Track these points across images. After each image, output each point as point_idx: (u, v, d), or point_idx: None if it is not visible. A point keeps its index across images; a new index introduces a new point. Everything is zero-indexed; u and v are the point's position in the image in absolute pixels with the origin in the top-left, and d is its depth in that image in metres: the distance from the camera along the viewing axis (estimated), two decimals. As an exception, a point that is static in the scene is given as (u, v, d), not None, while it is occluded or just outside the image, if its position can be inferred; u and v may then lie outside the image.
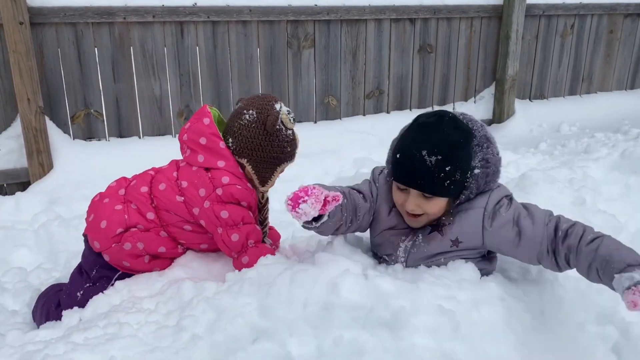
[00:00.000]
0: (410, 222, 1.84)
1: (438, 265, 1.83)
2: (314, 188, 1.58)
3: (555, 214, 1.86)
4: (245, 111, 1.98)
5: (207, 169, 1.98)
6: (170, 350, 1.38)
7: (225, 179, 1.94)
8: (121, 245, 1.96)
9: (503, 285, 1.89)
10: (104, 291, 1.90)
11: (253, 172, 2.03)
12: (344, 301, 1.54)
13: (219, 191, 1.93)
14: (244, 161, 2.01)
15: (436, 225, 1.83)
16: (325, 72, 4.37)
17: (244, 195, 1.97)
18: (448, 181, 1.71)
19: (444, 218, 1.82)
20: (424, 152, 1.67)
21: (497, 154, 1.83)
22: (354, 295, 1.54)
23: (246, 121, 1.97)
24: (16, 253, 2.83)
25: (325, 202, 1.61)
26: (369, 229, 2.00)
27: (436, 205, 1.77)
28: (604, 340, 1.94)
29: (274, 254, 1.96)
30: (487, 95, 5.03)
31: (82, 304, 1.86)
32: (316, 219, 1.70)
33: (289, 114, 2.02)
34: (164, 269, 2.04)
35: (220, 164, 1.97)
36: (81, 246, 2.83)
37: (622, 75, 5.73)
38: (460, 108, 4.93)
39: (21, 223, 3.13)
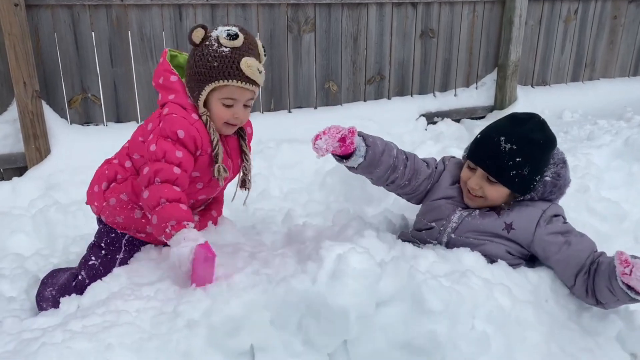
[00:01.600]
0: (467, 200, 1.99)
1: (480, 247, 1.90)
2: (332, 128, 1.81)
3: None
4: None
5: (163, 106, 1.95)
6: (165, 335, 1.35)
7: (166, 110, 1.88)
8: (108, 202, 1.98)
9: (508, 273, 1.87)
10: (103, 278, 1.86)
11: (189, 92, 1.93)
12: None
13: (161, 124, 1.86)
14: (186, 85, 1.94)
15: (494, 208, 1.97)
16: (326, 57, 4.31)
17: (181, 124, 1.84)
18: (514, 172, 1.87)
19: (502, 205, 1.96)
20: (502, 138, 1.86)
21: (569, 178, 2.03)
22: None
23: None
24: (13, 239, 2.80)
25: (344, 139, 1.83)
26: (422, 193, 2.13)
27: (496, 192, 1.92)
28: (609, 328, 1.93)
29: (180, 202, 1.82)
30: (489, 81, 4.97)
31: (104, 274, 1.87)
32: (347, 157, 1.91)
33: (227, 30, 1.86)
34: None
35: (171, 97, 1.93)
36: (79, 232, 2.83)
37: (625, 61, 5.67)
38: (461, 94, 4.89)
39: (18, 209, 3.10)
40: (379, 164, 1.96)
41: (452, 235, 1.95)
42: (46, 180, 3.39)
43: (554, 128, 4.39)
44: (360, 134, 1.97)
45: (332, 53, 4.31)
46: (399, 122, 4.50)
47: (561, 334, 1.79)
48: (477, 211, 1.98)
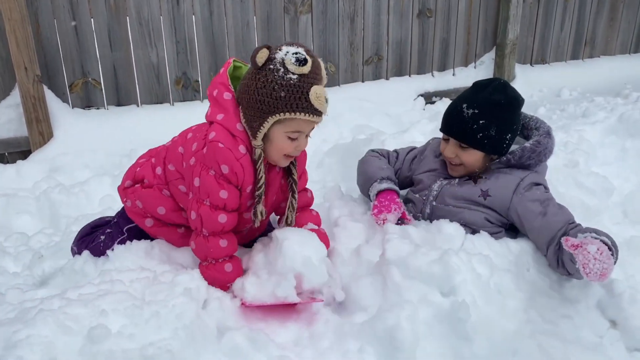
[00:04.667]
0: (450, 171, 2.12)
1: (459, 215, 1.99)
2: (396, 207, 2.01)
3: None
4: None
5: (211, 123, 1.77)
6: (161, 302, 1.43)
7: (212, 134, 1.69)
8: (125, 201, 1.93)
9: (489, 244, 1.94)
10: (108, 251, 1.89)
11: (244, 120, 1.72)
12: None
13: (205, 149, 1.70)
14: (240, 110, 1.74)
15: (472, 177, 2.08)
16: (323, 38, 4.33)
17: (225, 158, 1.67)
18: (481, 134, 1.97)
19: (478, 173, 2.07)
20: (464, 105, 1.99)
21: (550, 148, 2.11)
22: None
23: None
24: (18, 219, 2.89)
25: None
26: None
27: (471, 157, 2.04)
28: (589, 297, 1.99)
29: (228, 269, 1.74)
30: (487, 60, 4.97)
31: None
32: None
33: (295, 54, 1.63)
34: (171, 242, 1.91)
35: (219, 117, 1.73)
36: (81, 212, 2.91)
37: (626, 38, 5.63)
38: (460, 73, 4.90)
39: (23, 190, 3.19)
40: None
41: (434, 203, 2.05)
42: (49, 163, 3.47)
43: (551, 106, 4.46)
44: (392, 187, 2.14)
45: (329, 34, 4.34)
46: (397, 103, 4.53)
47: (541, 301, 1.85)
48: (457, 180, 2.09)
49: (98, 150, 3.60)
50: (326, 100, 1.69)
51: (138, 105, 3.87)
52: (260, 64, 1.65)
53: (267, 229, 2.04)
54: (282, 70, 1.63)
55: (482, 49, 4.96)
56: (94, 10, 3.62)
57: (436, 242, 1.80)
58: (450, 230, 1.83)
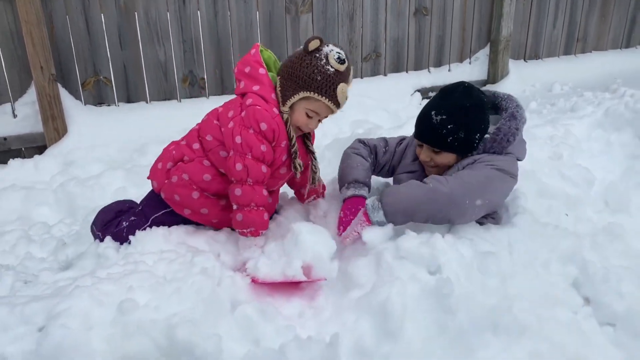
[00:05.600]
0: (427, 172, 2.24)
1: None
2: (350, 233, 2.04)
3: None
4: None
5: (244, 95, 2.06)
6: (181, 280, 1.63)
7: (249, 101, 1.99)
8: (170, 179, 2.11)
9: (475, 230, 2.13)
10: (128, 240, 2.09)
11: (279, 87, 2.04)
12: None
13: (244, 113, 1.97)
14: (279, 77, 2.06)
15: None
16: (323, 37, 4.48)
17: (263, 116, 1.96)
18: (451, 138, 2.09)
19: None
20: (433, 112, 2.10)
21: (515, 129, 2.17)
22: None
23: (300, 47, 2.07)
24: (38, 210, 3.08)
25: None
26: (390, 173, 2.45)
27: (445, 159, 2.17)
28: (566, 277, 2.18)
29: (265, 209, 2.03)
30: (482, 56, 5.15)
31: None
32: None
33: (339, 53, 2.02)
34: (211, 216, 2.12)
35: (255, 87, 2.03)
36: (97, 203, 3.09)
37: (617, 34, 5.80)
38: (455, 69, 5.08)
39: (40, 184, 3.38)
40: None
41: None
42: (64, 158, 3.67)
43: (542, 100, 4.64)
44: (365, 192, 2.23)
45: (329, 32, 4.51)
46: (395, 98, 4.71)
47: (520, 280, 2.04)
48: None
49: (110, 144, 3.80)
50: (346, 98, 2.08)
51: (147, 102, 4.06)
52: (310, 50, 2.00)
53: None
54: (324, 61, 1.99)
55: (476, 46, 5.14)
56: (104, 10, 3.80)
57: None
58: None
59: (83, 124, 3.82)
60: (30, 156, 3.70)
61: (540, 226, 2.31)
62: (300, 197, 2.43)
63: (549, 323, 1.98)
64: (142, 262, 1.76)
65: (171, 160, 2.15)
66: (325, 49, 2.02)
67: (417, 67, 4.96)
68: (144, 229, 2.09)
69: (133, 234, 2.08)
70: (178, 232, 2.09)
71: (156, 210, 2.14)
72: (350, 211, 2.11)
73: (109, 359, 1.43)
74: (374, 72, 4.81)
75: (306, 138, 2.25)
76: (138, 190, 3.02)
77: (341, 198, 2.24)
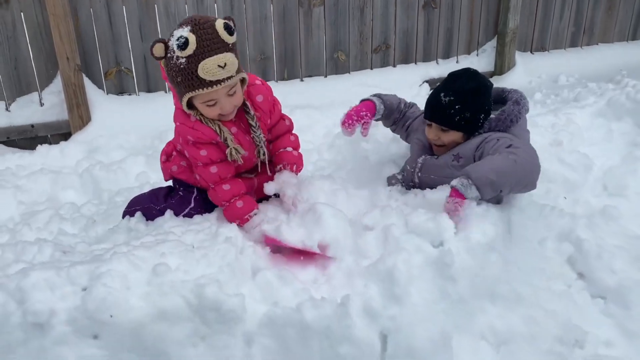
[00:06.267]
0: (435, 150, 2.44)
1: (445, 182, 2.25)
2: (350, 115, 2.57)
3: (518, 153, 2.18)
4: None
5: None
6: (207, 248, 1.81)
7: (174, 120, 2.11)
8: (171, 169, 2.31)
9: (476, 209, 2.28)
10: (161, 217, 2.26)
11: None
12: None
13: (176, 136, 2.17)
14: None
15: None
16: (335, 29, 4.66)
17: (185, 131, 2.03)
18: (458, 117, 2.29)
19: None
20: (442, 94, 2.30)
21: (516, 114, 2.37)
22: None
23: None
24: (65, 193, 3.28)
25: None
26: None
27: (451, 137, 2.36)
28: (561, 253, 2.34)
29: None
30: (489, 48, 5.27)
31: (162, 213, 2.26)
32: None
33: (178, 39, 1.82)
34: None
35: (174, 100, 2.13)
36: (121, 186, 3.29)
37: (624, 26, 5.89)
38: (463, 61, 5.20)
39: (66, 168, 3.58)
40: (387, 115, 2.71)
41: (419, 175, 2.37)
42: (88, 144, 3.87)
43: (547, 91, 4.77)
44: (380, 97, 2.67)
45: (340, 25, 4.66)
46: (404, 88, 4.84)
47: (518, 255, 2.20)
48: (436, 155, 2.42)
49: (131, 132, 3.99)
50: (223, 66, 1.84)
51: (166, 92, 4.24)
52: (159, 56, 1.87)
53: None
54: (174, 57, 1.84)
55: (484, 38, 5.26)
56: (126, 4, 3.98)
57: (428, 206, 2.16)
58: (437, 195, 2.18)
59: (106, 112, 4.01)
60: (57, 142, 3.90)
61: (538, 207, 2.47)
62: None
63: (543, 293, 2.14)
64: (172, 233, 1.94)
65: (165, 155, 2.36)
66: (170, 43, 1.85)
67: (426, 58, 5.09)
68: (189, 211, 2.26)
69: (163, 214, 2.27)
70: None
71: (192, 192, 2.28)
72: (356, 109, 2.62)
73: (146, 313, 1.61)
74: (384, 63, 4.95)
75: (247, 113, 2.15)
76: (158, 174, 3.19)
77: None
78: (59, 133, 3.98)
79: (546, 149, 3.02)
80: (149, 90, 4.23)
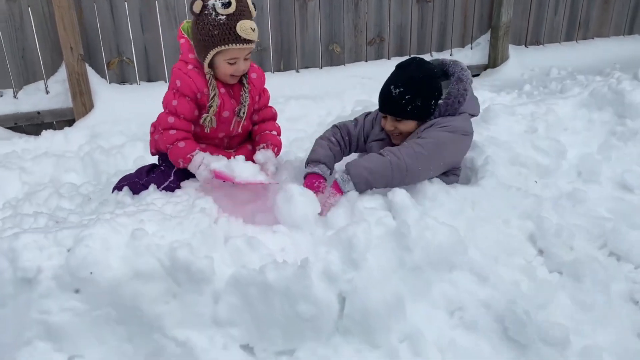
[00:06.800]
0: (394, 140, 2.52)
1: None
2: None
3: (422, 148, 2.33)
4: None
5: None
6: (183, 217, 1.98)
7: (173, 67, 2.36)
8: (155, 136, 2.53)
9: (441, 187, 2.43)
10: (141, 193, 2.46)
11: (196, 54, 2.32)
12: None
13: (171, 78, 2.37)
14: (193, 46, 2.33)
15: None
16: (330, 22, 4.81)
17: (178, 75, 2.30)
18: (410, 107, 2.38)
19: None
20: (392, 87, 2.39)
21: (464, 90, 2.45)
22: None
23: None
24: (67, 175, 3.47)
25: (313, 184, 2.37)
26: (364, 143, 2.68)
27: (407, 126, 2.46)
28: (523, 231, 2.47)
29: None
30: (483, 42, 5.38)
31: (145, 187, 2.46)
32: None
33: (222, 0, 2.16)
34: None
35: (180, 56, 2.41)
36: (118, 168, 3.48)
37: (620, 20, 5.95)
38: (457, 54, 5.32)
39: (69, 152, 3.78)
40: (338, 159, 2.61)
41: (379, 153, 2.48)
42: (91, 130, 4.07)
43: (537, 84, 4.86)
44: (320, 169, 2.45)
45: (335, 17, 4.81)
46: (397, 80, 4.98)
47: (479, 231, 2.34)
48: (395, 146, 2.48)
49: (131, 119, 4.18)
50: (253, 30, 2.22)
51: (166, 82, 4.43)
52: (197, 12, 2.21)
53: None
54: (213, 14, 2.18)
55: (478, 31, 5.37)
56: (127, -2, 4.17)
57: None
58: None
59: (107, 100, 4.21)
60: (61, 128, 4.11)
61: (505, 188, 2.60)
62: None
63: (501, 266, 2.28)
64: (153, 204, 2.12)
65: (153, 126, 2.58)
66: (210, 2, 2.19)
67: (420, 51, 5.22)
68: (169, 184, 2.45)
69: (147, 187, 2.45)
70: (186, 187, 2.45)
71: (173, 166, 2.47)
72: (311, 186, 2.34)
73: (123, 273, 1.78)
74: (378, 56, 5.09)
75: (241, 82, 2.43)
76: (155, 159, 3.39)
77: (302, 175, 2.49)
78: (63, 119, 4.19)
79: (521, 135, 3.14)
80: (149, 80, 4.41)
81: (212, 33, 2.19)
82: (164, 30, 4.33)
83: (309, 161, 2.48)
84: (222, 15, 2.17)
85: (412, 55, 5.10)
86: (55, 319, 1.75)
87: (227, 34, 2.19)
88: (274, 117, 2.68)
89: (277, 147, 2.59)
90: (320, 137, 2.62)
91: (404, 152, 2.26)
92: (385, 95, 2.43)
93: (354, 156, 2.75)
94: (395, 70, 2.48)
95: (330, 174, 2.49)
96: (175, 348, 1.77)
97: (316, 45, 4.83)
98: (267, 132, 2.60)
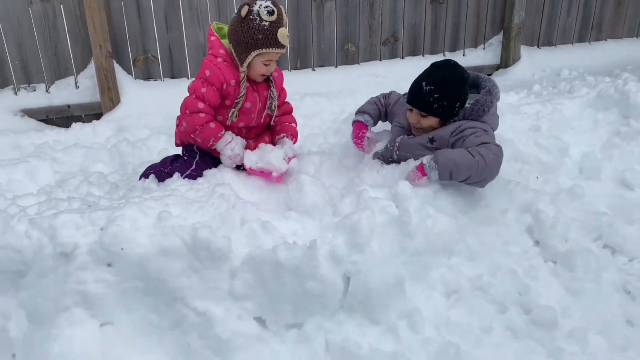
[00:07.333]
0: (413, 131, 2.70)
1: (418, 158, 2.56)
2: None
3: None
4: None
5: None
6: (204, 201, 2.18)
7: (203, 60, 2.58)
8: (180, 128, 2.71)
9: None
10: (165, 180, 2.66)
11: (234, 52, 2.53)
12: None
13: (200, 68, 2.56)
14: (230, 44, 2.53)
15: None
16: (345, 22, 4.97)
17: (209, 65, 2.51)
18: (436, 105, 2.55)
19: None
20: (423, 83, 2.56)
21: (488, 103, 2.63)
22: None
23: (234, 13, 2.53)
24: (95, 165, 3.69)
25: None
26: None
27: (429, 122, 2.63)
28: (520, 223, 2.62)
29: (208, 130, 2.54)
30: (495, 42, 5.49)
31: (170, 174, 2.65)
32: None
33: (267, 7, 2.41)
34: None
35: (209, 51, 2.62)
36: (143, 160, 3.69)
37: (633, 22, 5.99)
38: (469, 54, 5.45)
39: (97, 144, 4.01)
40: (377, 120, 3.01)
41: (398, 152, 2.66)
42: (117, 123, 4.29)
43: (547, 84, 4.97)
44: (365, 118, 2.93)
45: (351, 18, 4.97)
46: (410, 79, 5.02)
47: (477, 221, 2.49)
48: (413, 135, 2.70)
49: (155, 114, 4.40)
50: (287, 37, 2.51)
51: (188, 78, 4.64)
52: (243, 15, 2.44)
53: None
54: (258, 19, 2.42)
55: (490, 32, 5.48)
56: (153, -2, 4.40)
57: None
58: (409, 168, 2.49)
59: (133, 96, 4.44)
60: (89, 121, 4.35)
61: (504, 182, 2.74)
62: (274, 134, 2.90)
63: (498, 254, 2.44)
64: (177, 190, 2.32)
65: (178, 119, 2.74)
66: (255, 8, 2.42)
67: (433, 51, 5.35)
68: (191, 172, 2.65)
69: (171, 175, 2.66)
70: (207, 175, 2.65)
71: (195, 156, 2.69)
72: (355, 133, 2.90)
73: (150, 249, 1.99)
74: (392, 55, 5.24)
75: (268, 79, 2.68)
76: (177, 150, 3.59)
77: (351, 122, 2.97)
78: (91, 113, 4.43)
79: (525, 134, 3.28)
80: (172, 77, 4.64)
81: (257, 37, 2.43)
82: (187, 29, 4.55)
83: (358, 111, 2.97)
84: (266, 21, 2.42)
85: (426, 55, 5.29)
86: (90, 289, 1.97)
87: (269, 38, 2.44)
88: (291, 111, 2.98)
89: (294, 137, 2.89)
90: (367, 101, 3.04)
91: (490, 158, 2.41)
92: (415, 89, 2.58)
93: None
94: (429, 67, 2.63)
95: (374, 124, 2.98)
96: (195, 317, 1.98)
97: (332, 45, 5.00)
98: (286, 123, 2.89)
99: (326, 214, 2.37)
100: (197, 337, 1.98)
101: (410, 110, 2.67)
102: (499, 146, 2.51)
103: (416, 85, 2.61)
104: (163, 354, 2.00)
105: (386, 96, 3.05)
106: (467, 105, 2.61)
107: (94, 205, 2.48)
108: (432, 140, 2.58)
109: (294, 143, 2.86)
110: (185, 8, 4.50)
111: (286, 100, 2.94)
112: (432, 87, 2.51)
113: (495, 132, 3.13)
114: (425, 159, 2.45)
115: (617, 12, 5.87)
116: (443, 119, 2.63)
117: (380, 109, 3.00)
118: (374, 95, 3.10)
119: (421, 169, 2.43)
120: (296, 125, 2.96)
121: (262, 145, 2.70)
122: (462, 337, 2.09)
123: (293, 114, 2.98)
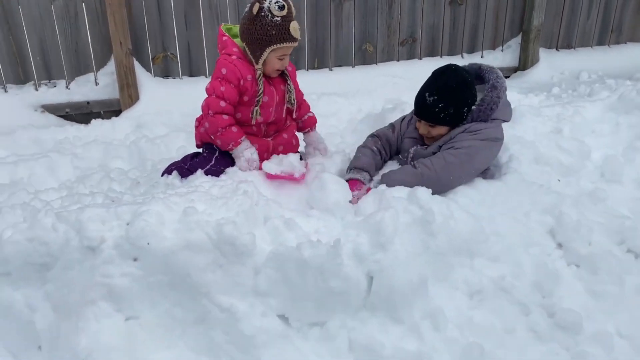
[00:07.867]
0: (426, 141, 2.69)
1: None
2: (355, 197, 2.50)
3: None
4: (248, 4, 2.52)
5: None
6: (228, 198, 2.19)
7: (218, 60, 2.57)
8: (200, 129, 2.72)
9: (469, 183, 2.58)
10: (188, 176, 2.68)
11: (248, 50, 2.53)
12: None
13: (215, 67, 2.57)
14: (243, 43, 2.54)
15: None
16: (364, 22, 4.98)
17: (223, 64, 2.51)
18: (443, 114, 2.53)
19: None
20: (427, 94, 2.53)
21: (497, 97, 2.59)
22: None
23: (245, 10, 2.52)
24: (114, 162, 3.72)
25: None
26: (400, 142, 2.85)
27: (439, 130, 2.62)
28: (543, 225, 2.60)
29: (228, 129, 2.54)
30: (514, 45, 5.47)
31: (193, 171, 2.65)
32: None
33: (277, 3, 2.41)
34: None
35: (223, 51, 2.61)
36: (162, 156, 3.72)
37: (654, 26, 5.95)
38: (488, 56, 5.43)
39: (116, 140, 4.04)
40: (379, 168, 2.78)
41: (412, 163, 2.61)
42: (136, 120, 4.33)
43: (565, 86, 4.95)
44: (363, 176, 2.65)
45: (369, 18, 4.97)
46: (428, 80, 5.11)
47: (499, 223, 2.48)
48: (426, 145, 2.69)
49: (174, 111, 4.43)
50: (298, 29, 2.51)
51: (207, 77, 4.67)
52: (255, 13, 2.44)
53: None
54: (270, 15, 2.43)
55: (509, 34, 5.46)
56: (173, -4, 4.42)
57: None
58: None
59: (152, 93, 4.48)
60: (109, 118, 4.39)
61: (527, 184, 2.73)
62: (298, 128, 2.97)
63: (521, 256, 2.42)
64: (201, 186, 2.33)
65: (197, 120, 2.80)
66: (265, 5, 2.43)
67: (451, 52, 5.34)
68: (210, 167, 2.65)
69: (195, 171, 2.67)
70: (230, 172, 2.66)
71: (214, 152, 2.69)
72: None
73: (176, 244, 2.00)
74: (410, 56, 5.23)
75: (283, 73, 2.69)
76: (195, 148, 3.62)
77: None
78: (110, 110, 4.47)
79: (546, 136, 3.26)
80: (191, 75, 4.66)
81: (270, 33, 2.44)
82: (206, 27, 4.57)
83: (352, 167, 2.67)
84: (278, 17, 2.43)
85: (444, 56, 5.28)
86: (115, 282, 1.98)
87: (283, 33, 2.45)
88: (309, 108, 3.03)
89: (314, 124, 3.02)
90: (363, 146, 2.80)
91: (436, 163, 2.43)
92: (420, 101, 2.56)
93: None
94: (430, 77, 2.60)
95: (370, 181, 2.67)
96: (219, 313, 1.98)
97: (350, 45, 5.01)
98: (308, 115, 2.97)
99: (348, 213, 2.37)
100: (220, 333, 1.98)
101: (419, 121, 2.66)
102: (472, 147, 2.49)
103: (420, 96, 2.58)
104: (186, 349, 2.01)
105: (386, 137, 2.83)
106: (473, 107, 2.57)
107: (117, 201, 2.49)
108: (440, 148, 2.56)
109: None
110: (204, 7, 4.52)
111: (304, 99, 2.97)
112: (436, 97, 2.49)
113: (516, 134, 3.13)
114: (373, 184, 2.52)
115: (637, 15, 5.82)
116: (452, 126, 2.61)
117: (384, 158, 2.82)
118: (374, 134, 2.88)
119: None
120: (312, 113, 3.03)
121: (274, 156, 2.71)
122: (486, 337, 2.07)
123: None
